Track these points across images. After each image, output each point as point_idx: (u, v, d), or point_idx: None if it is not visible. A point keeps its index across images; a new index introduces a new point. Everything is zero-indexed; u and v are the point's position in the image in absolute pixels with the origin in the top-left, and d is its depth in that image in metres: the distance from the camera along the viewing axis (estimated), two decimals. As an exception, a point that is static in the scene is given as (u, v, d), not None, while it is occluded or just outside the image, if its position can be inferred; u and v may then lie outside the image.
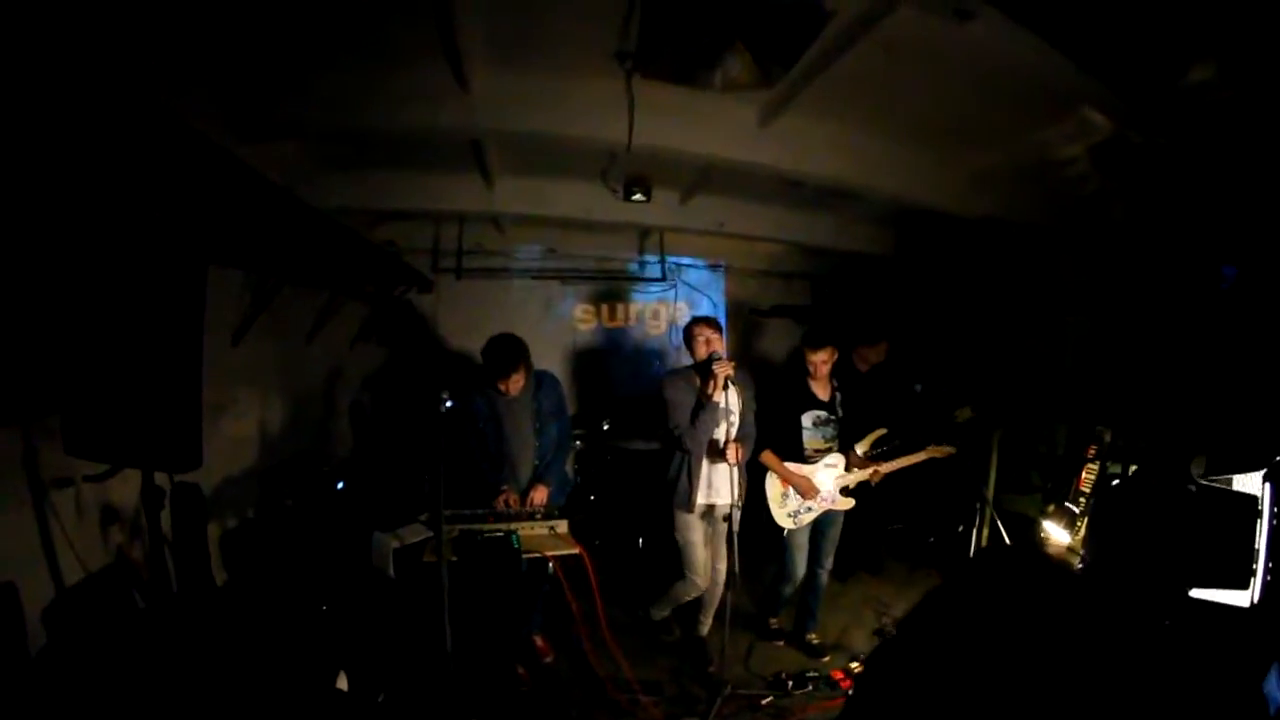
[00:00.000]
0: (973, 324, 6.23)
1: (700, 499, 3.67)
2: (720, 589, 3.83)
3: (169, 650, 2.39)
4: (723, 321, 6.77)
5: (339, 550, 3.72)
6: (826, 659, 3.99)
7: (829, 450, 3.93)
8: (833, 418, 3.93)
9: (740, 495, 3.44)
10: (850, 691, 3.58)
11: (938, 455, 4.10)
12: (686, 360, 3.85)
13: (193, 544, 3.04)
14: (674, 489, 3.69)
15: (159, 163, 2.05)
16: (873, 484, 3.99)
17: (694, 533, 3.71)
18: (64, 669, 2.22)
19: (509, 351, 3.56)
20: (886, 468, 4.01)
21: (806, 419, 3.89)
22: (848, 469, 3.95)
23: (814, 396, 3.90)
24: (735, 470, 3.35)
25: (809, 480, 3.83)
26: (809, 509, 3.85)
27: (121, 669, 2.23)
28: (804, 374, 3.89)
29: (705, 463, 3.66)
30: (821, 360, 3.80)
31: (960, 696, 0.84)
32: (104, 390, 2.05)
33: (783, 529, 3.87)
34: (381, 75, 3.34)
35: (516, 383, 3.59)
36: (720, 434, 3.56)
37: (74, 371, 2.06)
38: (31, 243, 1.97)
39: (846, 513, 4.02)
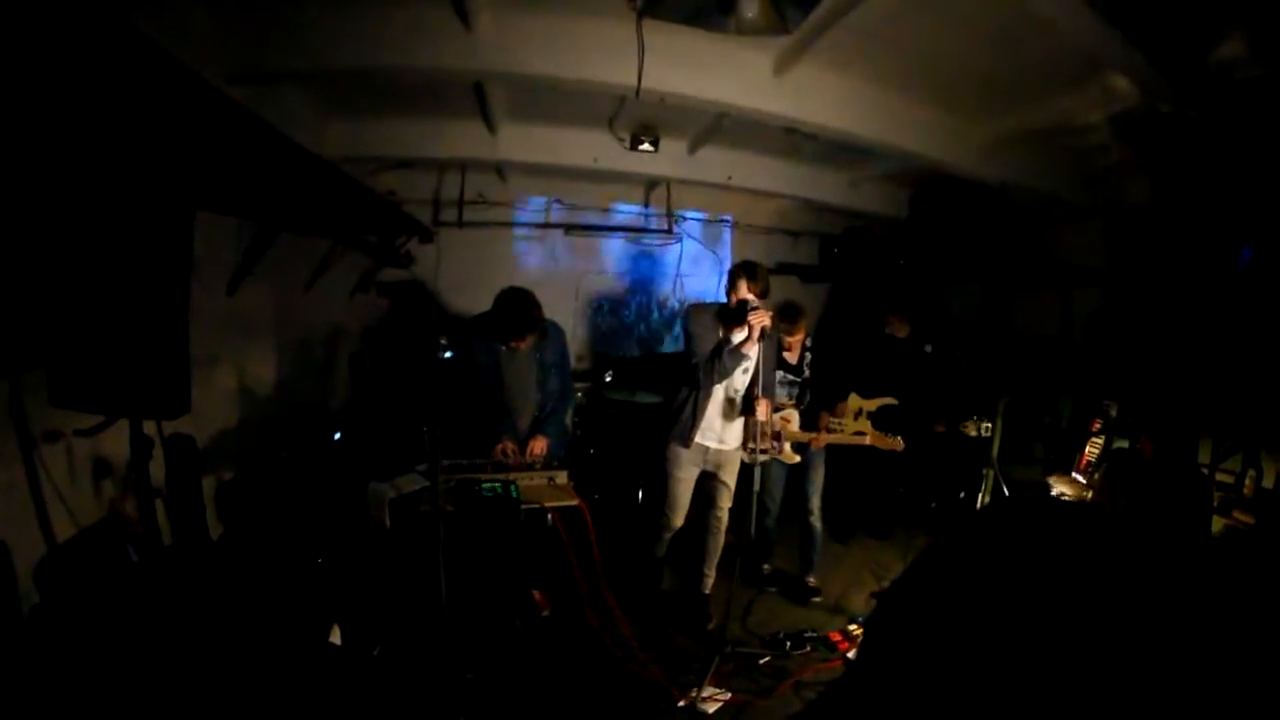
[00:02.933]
0: (983, 290, 6.14)
1: (698, 438, 3.68)
2: (720, 539, 3.89)
3: (163, 604, 2.37)
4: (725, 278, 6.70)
5: (335, 502, 3.70)
6: (819, 599, 4.21)
7: (790, 406, 4.17)
8: (797, 379, 4.20)
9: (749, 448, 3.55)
10: (849, 655, 3.60)
11: (880, 445, 4.14)
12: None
13: (187, 496, 3.00)
14: (675, 420, 3.71)
15: (142, 101, 1.93)
16: (812, 448, 4.17)
17: (680, 469, 3.73)
18: (57, 626, 2.20)
19: (521, 316, 3.47)
20: (823, 440, 4.17)
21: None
22: (803, 428, 4.15)
23: (784, 360, 4.16)
24: (756, 424, 3.44)
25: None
26: (763, 451, 3.83)
27: (115, 624, 2.21)
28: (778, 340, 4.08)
29: (715, 407, 3.65)
30: (796, 340, 4.15)
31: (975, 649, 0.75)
32: (87, 338, 1.98)
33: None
34: (381, 13, 3.21)
35: (525, 345, 3.55)
36: (742, 385, 3.62)
37: (56, 320, 1.98)
38: (4, 187, 1.87)
39: (854, 476, 4.35)
